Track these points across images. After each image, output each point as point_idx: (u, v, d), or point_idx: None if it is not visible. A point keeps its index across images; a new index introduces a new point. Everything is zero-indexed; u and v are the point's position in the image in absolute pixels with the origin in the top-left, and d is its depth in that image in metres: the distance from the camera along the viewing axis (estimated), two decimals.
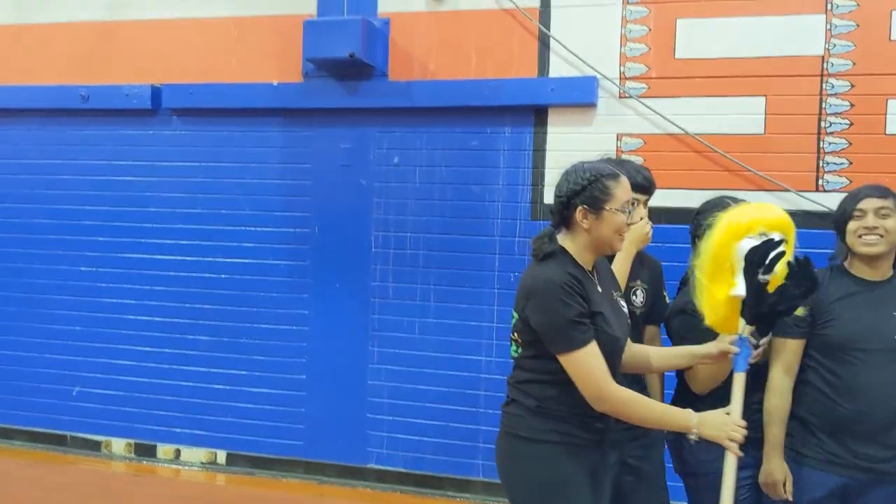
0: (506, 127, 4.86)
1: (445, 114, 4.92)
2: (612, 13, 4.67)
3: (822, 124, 4.37)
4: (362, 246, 5.08)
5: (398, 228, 5.03)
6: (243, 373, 5.27)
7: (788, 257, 2.33)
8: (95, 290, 5.53)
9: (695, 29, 4.55)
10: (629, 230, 2.57)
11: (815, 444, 2.64)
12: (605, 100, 4.69)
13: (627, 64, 4.66)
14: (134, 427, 5.46)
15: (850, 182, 4.26)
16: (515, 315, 2.39)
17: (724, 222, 2.43)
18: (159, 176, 5.43)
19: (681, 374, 2.86)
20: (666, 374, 3.04)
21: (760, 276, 2.30)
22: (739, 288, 2.36)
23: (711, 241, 2.43)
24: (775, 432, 2.67)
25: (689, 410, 2.34)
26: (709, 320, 2.49)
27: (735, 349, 2.40)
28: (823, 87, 4.37)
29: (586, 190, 2.32)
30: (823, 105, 4.37)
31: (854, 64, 4.32)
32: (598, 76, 4.68)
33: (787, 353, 2.66)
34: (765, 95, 4.45)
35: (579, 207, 2.33)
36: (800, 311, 2.48)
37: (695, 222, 2.86)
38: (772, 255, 2.29)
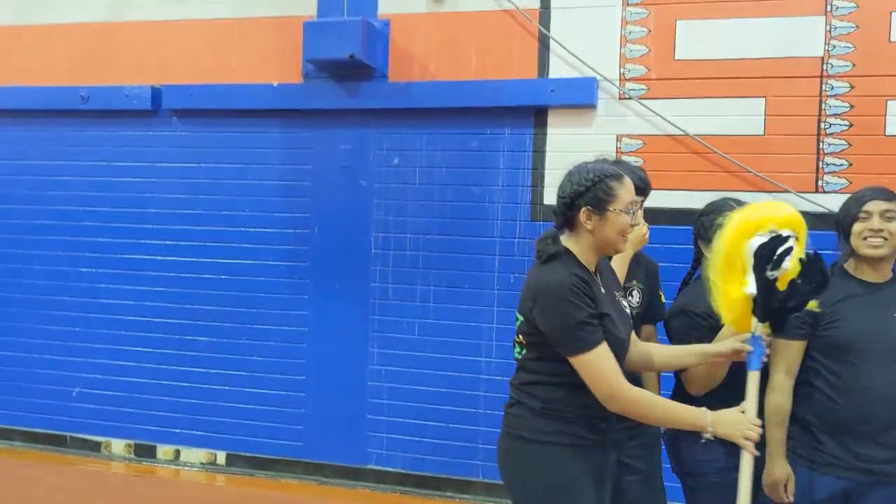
0: (506, 128, 4.86)
1: (445, 115, 4.92)
2: (612, 14, 4.68)
3: (822, 125, 4.38)
4: (362, 247, 5.08)
5: (398, 229, 5.03)
6: (243, 373, 5.27)
7: (800, 254, 2.32)
8: (95, 291, 5.53)
9: (695, 30, 4.56)
10: (632, 231, 2.57)
11: (816, 446, 2.64)
12: (604, 101, 4.70)
13: (627, 65, 4.67)
14: (134, 428, 5.46)
15: (850, 183, 4.27)
16: (520, 317, 2.37)
17: (735, 221, 2.43)
18: (159, 176, 5.43)
19: (679, 375, 2.86)
20: (664, 374, 3.04)
21: (769, 272, 2.29)
22: (751, 286, 2.35)
23: (723, 240, 2.43)
24: (777, 433, 2.67)
25: (704, 409, 2.31)
26: (725, 319, 2.49)
27: (748, 347, 2.39)
28: (823, 88, 4.38)
29: (590, 191, 2.31)
30: (823, 106, 4.38)
31: (854, 65, 4.33)
32: (598, 77, 4.68)
33: (789, 354, 2.66)
34: (764, 97, 4.46)
35: (583, 209, 2.32)
36: (813, 305, 2.46)
37: (698, 224, 2.87)
38: (779, 250, 2.28)
